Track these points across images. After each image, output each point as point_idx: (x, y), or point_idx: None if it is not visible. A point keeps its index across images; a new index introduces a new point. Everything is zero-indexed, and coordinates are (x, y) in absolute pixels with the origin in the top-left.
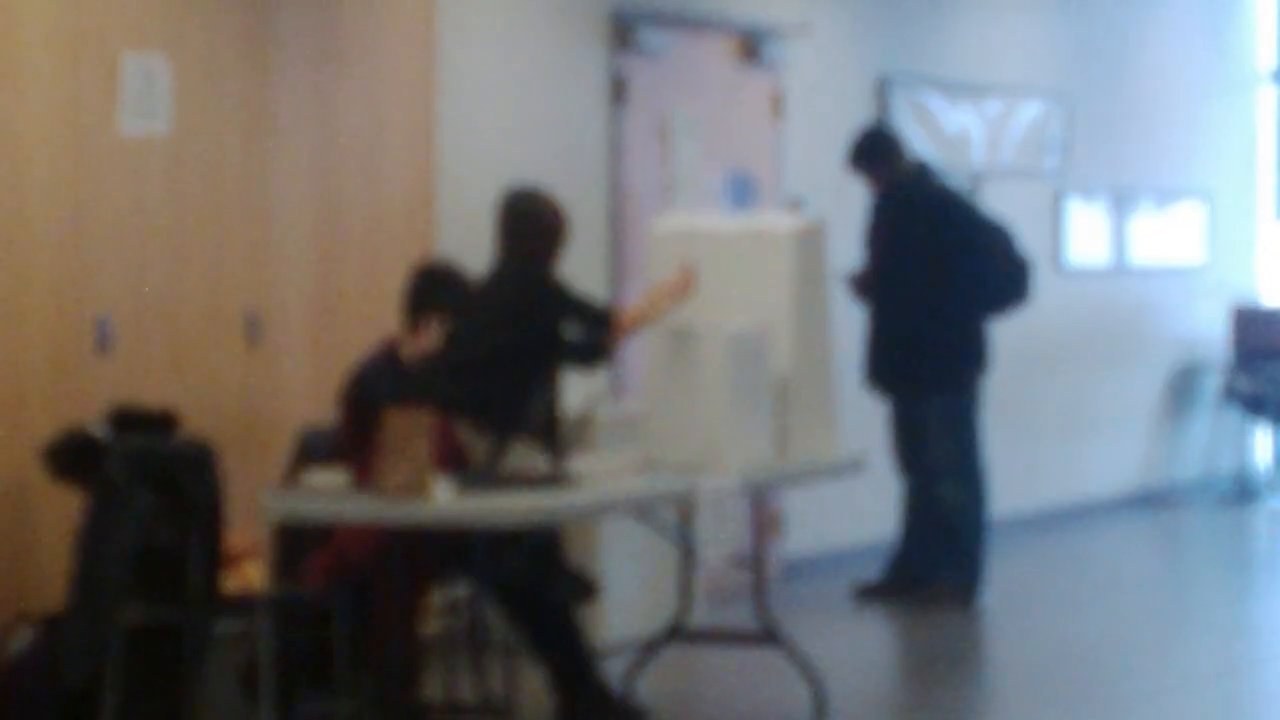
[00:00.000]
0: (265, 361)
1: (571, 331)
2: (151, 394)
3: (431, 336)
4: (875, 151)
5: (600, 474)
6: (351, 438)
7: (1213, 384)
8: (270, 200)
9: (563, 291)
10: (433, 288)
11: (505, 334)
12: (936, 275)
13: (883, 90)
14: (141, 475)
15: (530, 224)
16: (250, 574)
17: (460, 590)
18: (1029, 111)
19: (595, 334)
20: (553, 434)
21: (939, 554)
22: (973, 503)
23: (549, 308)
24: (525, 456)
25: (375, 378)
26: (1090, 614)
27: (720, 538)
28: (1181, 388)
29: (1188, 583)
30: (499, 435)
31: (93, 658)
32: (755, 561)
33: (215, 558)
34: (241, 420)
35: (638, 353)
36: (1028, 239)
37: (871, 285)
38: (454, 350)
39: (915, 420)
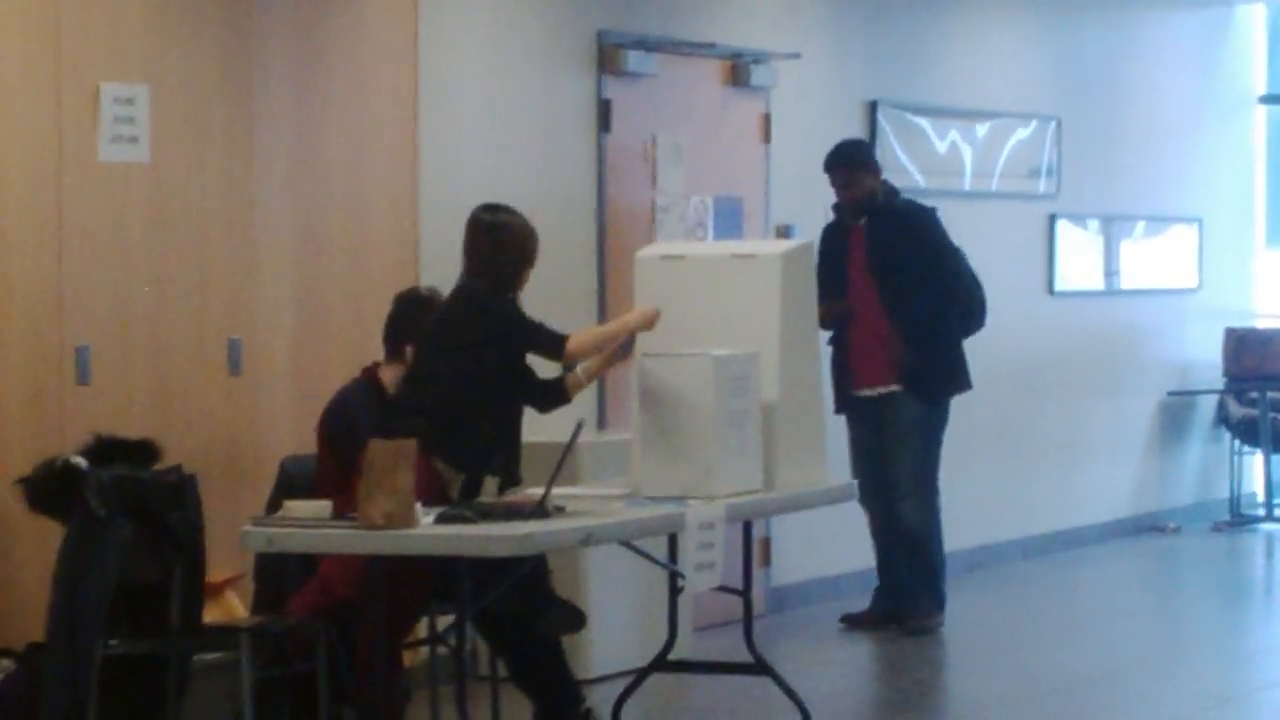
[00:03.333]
0: (248, 390)
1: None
2: (132, 424)
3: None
4: (863, 156)
5: (587, 503)
6: (330, 467)
7: (1206, 408)
8: (252, 228)
9: (517, 320)
10: (414, 316)
11: (459, 364)
12: (918, 289)
13: (871, 114)
14: (121, 505)
15: (495, 241)
16: (232, 604)
17: (446, 620)
18: (1020, 135)
19: (552, 369)
20: (513, 468)
21: (912, 580)
22: (931, 521)
23: (504, 338)
24: (493, 492)
25: (355, 407)
26: (1083, 643)
27: (708, 566)
28: (1174, 412)
29: (1182, 611)
30: (466, 469)
31: (73, 690)
32: (743, 590)
33: (197, 588)
34: (224, 450)
35: (624, 381)
36: (1019, 262)
37: (842, 312)
38: (409, 380)
39: (878, 439)
